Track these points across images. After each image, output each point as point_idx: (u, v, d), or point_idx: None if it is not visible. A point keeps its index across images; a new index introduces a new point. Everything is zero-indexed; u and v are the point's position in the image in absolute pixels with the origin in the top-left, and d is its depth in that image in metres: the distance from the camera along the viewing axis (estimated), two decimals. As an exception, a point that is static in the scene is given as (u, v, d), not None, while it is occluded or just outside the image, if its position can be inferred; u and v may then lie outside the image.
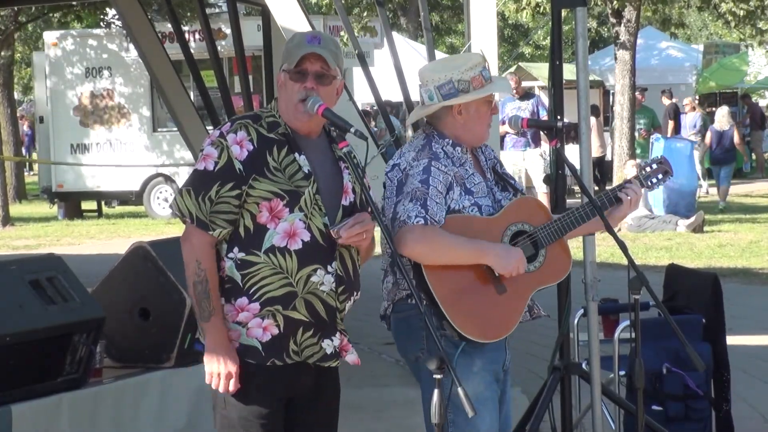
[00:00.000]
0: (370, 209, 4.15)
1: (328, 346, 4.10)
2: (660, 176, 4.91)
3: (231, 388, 4.00)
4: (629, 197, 4.71)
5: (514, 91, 15.90)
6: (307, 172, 4.03)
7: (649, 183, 4.88)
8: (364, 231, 4.03)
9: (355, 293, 4.16)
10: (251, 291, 4.00)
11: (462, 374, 4.38)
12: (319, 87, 4.06)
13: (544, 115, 15.78)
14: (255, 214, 4.00)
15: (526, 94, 16.53)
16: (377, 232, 4.21)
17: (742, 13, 23.98)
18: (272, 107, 4.14)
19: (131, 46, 19.63)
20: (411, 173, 4.41)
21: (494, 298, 4.40)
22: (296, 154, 4.04)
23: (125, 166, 21.58)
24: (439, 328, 4.38)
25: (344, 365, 4.25)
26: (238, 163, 3.98)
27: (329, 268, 4.04)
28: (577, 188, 16.83)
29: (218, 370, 3.99)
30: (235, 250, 4.02)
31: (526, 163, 15.94)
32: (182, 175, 20.86)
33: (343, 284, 4.08)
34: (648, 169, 4.92)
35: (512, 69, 25.37)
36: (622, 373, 6.28)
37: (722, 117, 22.11)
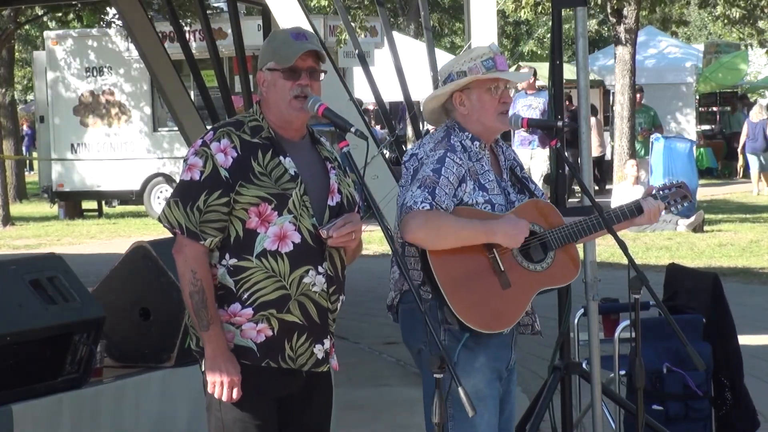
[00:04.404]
0: (358, 208, 4.16)
1: (319, 351, 4.10)
2: (679, 199, 4.80)
3: (234, 396, 4.00)
4: (651, 209, 4.66)
5: (522, 87, 15.77)
6: (293, 173, 4.03)
7: (668, 204, 4.78)
8: (353, 231, 4.03)
9: (342, 293, 4.16)
10: (245, 296, 4.00)
11: (464, 369, 4.39)
12: (312, 83, 4.08)
13: None
14: (244, 221, 4.00)
15: (537, 90, 16.38)
16: (377, 231, 4.21)
17: (737, 15, 24.08)
18: (254, 110, 4.13)
19: (131, 46, 19.63)
20: (426, 162, 4.42)
21: (498, 291, 4.39)
22: (281, 157, 4.04)
23: (126, 160, 21.63)
24: (443, 321, 4.39)
25: (343, 364, 4.25)
26: (223, 171, 3.98)
27: (320, 269, 4.04)
28: (577, 188, 16.82)
29: (220, 379, 3.99)
30: (227, 256, 4.02)
31: (532, 162, 15.90)
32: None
33: (333, 284, 4.08)
34: (667, 190, 4.81)
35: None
36: (623, 372, 6.28)
37: (758, 110, 24.07)
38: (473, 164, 4.47)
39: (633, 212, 4.67)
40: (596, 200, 4.78)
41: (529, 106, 15.39)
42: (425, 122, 4.91)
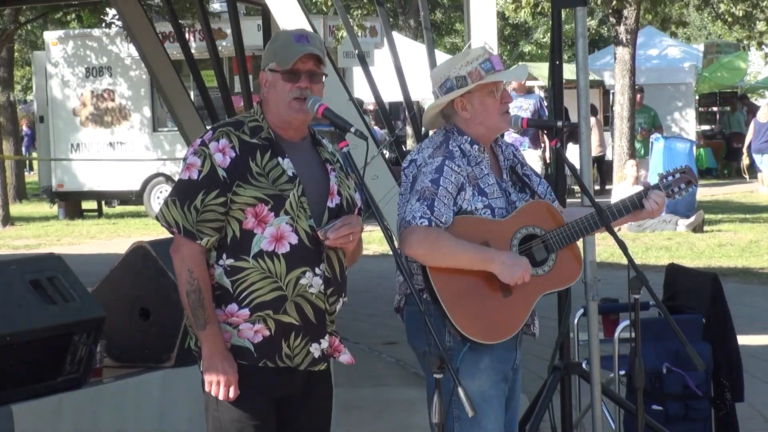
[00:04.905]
0: (358, 210, 4.16)
1: (315, 350, 4.09)
2: (683, 185, 4.73)
3: (231, 395, 4.01)
4: (652, 208, 4.61)
5: (513, 88, 15.73)
6: (291, 175, 4.03)
7: (671, 192, 4.72)
8: (350, 233, 4.02)
9: (343, 295, 4.15)
10: (241, 297, 4.00)
11: (469, 371, 4.39)
12: (312, 86, 4.08)
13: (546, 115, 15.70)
14: (241, 221, 4.00)
15: (527, 92, 16.38)
16: (378, 232, 4.21)
17: (740, 13, 24.09)
18: (255, 111, 4.14)
19: (131, 46, 19.64)
20: (424, 170, 4.40)
21: (499, 301, 4.38)
22: (280, 158, 4.04)
23: (126, 160, 21.65)
24: (445, 327, 4.38)
25: (342, 365, 4.25)
26: (221, 171, 3.98)
27: (317, 270, 4.04)
28: (577, 188, 16.82)
29: (217, 378, 4.00)
30: (224, 256, 4.02)
31: None
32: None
33: (331, 286, 4.07)
34: (671, 177, 4.75)
35: (512, 68, 25.36)
36: (622, 372, 6.29)
37: (765, 110, 24.38)
38: (472, 169, 4.45)
39: (636, 205, 4.64)
40: (596, 201, 4.78)
41: (520, 107, 15.38)
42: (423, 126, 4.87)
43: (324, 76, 4.14)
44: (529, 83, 25.57)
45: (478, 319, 4.35)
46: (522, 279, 4.34)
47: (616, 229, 4.65)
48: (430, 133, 4.74)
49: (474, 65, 4.48)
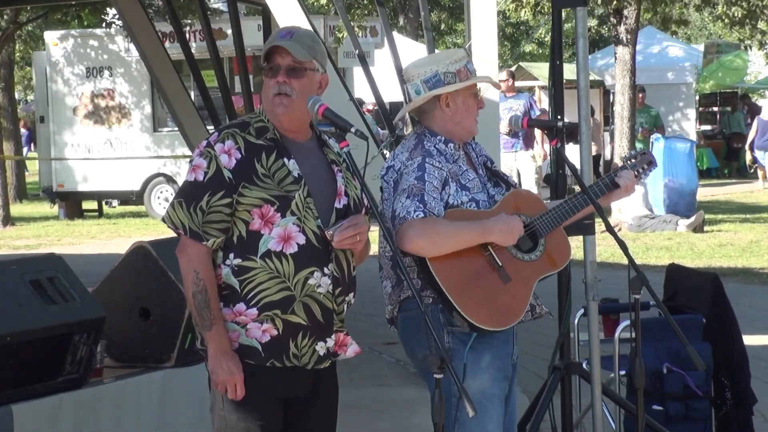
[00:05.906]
0: (364, 210, 4.16)
1: (321, 348, 4.10)
2: (645, 166, 4.96)
3: (238, 394, 4.01)
4: (626, 184, 4.80)
5: (501, 90, 15.67)
6: (296, 176, 4.03)
7: (637, 172, 4.93)
8: (357, 233, 4.03)
9: (351, 295, 4.15)
10: (249, 296, 4.00)
11: (470, 370, 4.43)
12: (291, 80, 4.05)
13: (536, 115, 15.73)
14: (248, 222, 3.99)
15: (517, 93, 16.36)
16: (377, 232, 4.21)
17: (739, 14, 24.12)
18: (260, 111, 4.14)
19: (132, 46, 19.64)
20: (406, 172, 4.43)
21: (500, 287, 4.42)
22: (285, 159, 4.04)
23: (126, 160, 21.66)
24: (446, 324, 4.41)
25: (344, 364, 4.25)
26: (227, 172, 3.98)
27: (325, 270, 4.04)
28: (577, 188, 16.82)
29: (223, 378, 4.00)
30: (231, 256, 4.02)
31: (517, 164, 15.90)
32: (183, 175, 20.87)
33: (339, 286, 4.08)
34: (633, 160, 4.97)
35: (513, 69, 25.37)
36: (623, 372, 6.28)
37: None
38: (452, 166, 4.50)
39: (609, 186, 4.79)
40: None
41: (510, 108, 15.37)
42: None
43: (313, 72, 4.08)
44: (529, 83, 25.65)
45: (484, 306, 4.39)
46: (519, 235, 4.45)
47: (617, 229, 4.68)
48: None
49: (461, 64, 4.56)
